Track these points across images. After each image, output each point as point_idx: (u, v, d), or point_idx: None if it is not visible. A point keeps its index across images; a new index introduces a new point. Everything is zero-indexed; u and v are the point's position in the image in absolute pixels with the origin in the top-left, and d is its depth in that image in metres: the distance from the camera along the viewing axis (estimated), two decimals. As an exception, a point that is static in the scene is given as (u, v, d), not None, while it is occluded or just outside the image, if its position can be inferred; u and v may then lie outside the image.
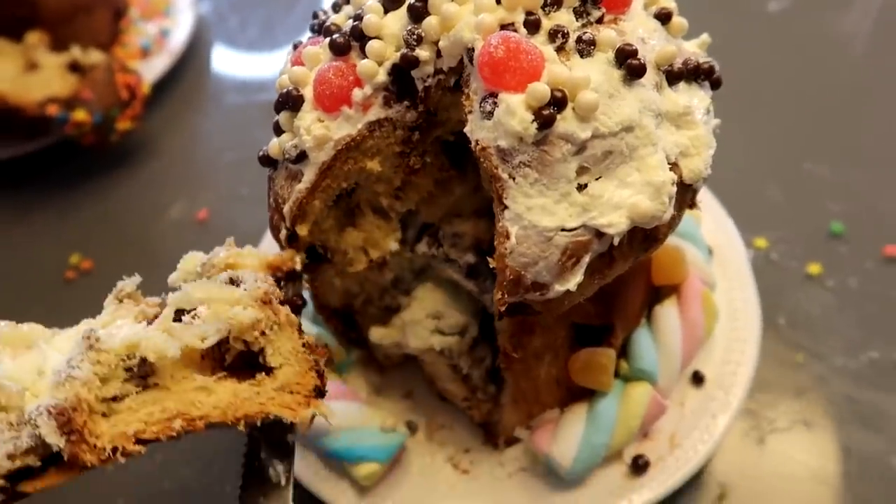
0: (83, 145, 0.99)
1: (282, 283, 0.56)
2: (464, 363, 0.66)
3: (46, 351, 0.46)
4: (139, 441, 0.44)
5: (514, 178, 0.46)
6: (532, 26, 0.48)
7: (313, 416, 0.49)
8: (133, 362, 0.45)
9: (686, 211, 0.74)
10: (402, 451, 0.67)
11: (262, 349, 0.49)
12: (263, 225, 0.65)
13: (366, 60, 0.50)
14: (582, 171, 0.47)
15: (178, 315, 0.48)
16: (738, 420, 0.71)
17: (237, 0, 1.32)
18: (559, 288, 0.48)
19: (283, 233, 0.57)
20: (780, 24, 1.12)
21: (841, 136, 0.96)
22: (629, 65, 0.47)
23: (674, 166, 0.50)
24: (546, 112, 0.45)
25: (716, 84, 0.55)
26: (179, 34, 1.18)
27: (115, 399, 0.45)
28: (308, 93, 0.52)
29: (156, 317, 0.49)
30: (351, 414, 0.65)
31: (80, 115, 0.95)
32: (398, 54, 0.50)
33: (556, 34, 0.48)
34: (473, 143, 0.48)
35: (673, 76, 0.51)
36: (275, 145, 0.54)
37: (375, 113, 0.52)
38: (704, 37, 0.59)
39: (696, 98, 0.52)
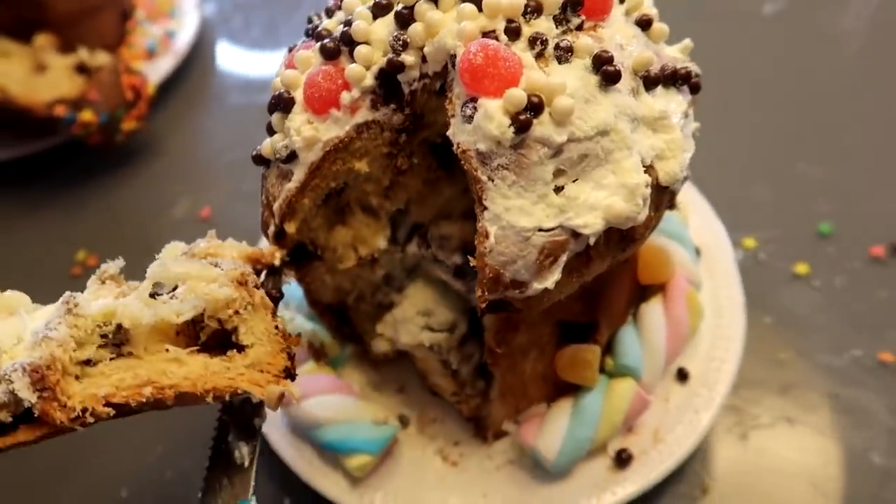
0: (89, 145, 1.02)
1: (261, 275, 0.57)
2: (453, 359, 0.68)
3: (27, 320, 0.47)
4: (109, 404, 0.45)
5: (492, 180, 0.48)
6: (512, 33, 0.49)
7: (282, 396, 0.50)
8: (109, 329, 0.47)
9: (675, 212, 0.77)
10: (394, 444, 0.69)
11: (236, 328, 0.50)
12: (261, 222, 0.67)
13: (354, 65, 0.52)
14: (559, 173, 0.49)
15: (157, 292, 0.50)
16: (722, 416, 0.72)
17: (241, 1, 1.34)
18: (537, 286, 0.50)
19: (272, 229, 0.59)
20: (774, 26, 1.12)
21: (832, 138, 0.96)
22: (605, 71, 0.49)
23: (650, 169, 0.52)
24: (523, 117, 0.46)
25: (694, 88, 0.57)
26: (184, 35, 1.20)
27: (88, 363, 0.46)
28: (299, 95, 0.54)
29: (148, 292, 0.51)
30: (344, 407, 0.67)
31: (86, 115, 0.97)
32: (385, 59, 0.52)
33: (535, 41, 0.49)
34: (455, 146, 0.50)
35: (650, 81, 0.52)
36: (267, 145, 0.56)
37: (363, 115, 0.54)
38: (686, 42, 0.60)
39: (673, 103, 0.54)
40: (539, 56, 0.50)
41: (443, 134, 0.58)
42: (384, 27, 0.53)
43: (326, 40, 0.53)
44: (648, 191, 0.50)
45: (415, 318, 0.67)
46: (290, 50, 0.59)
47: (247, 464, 0.55)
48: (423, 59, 0.52)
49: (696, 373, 0.70)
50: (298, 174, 0.56)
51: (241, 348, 0.50)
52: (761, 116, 1.01)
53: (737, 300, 0.74)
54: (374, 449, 0.65)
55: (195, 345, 0.50)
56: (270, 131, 0.56)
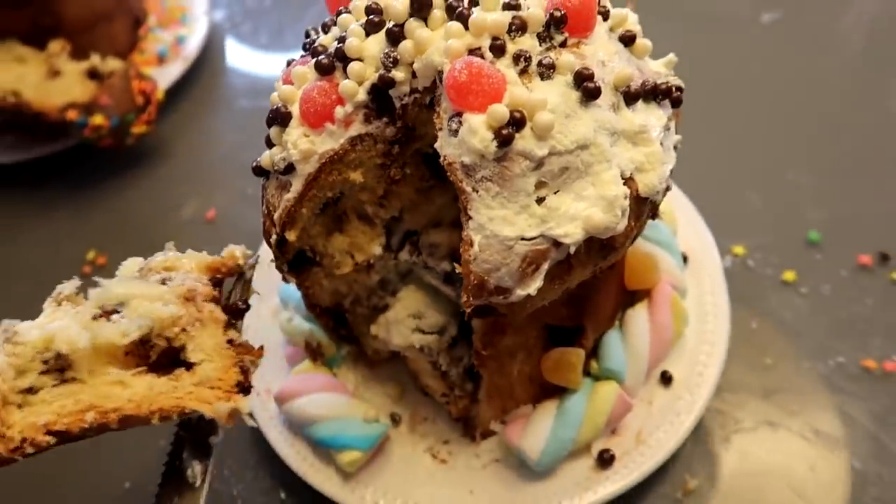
0: (100, 148, 1.05)
1: (223, 284, 0.56)
2: (443, 360, 0.70)
3: None
4: (50, 432, 0.44)
5: (477, 191, 0.51)
6: (497, 50, 0.52)
7: (233, 412, 0.49)
8: (49, 355, 0.46)
9: (663, 220, 0.79)
10: (385, 441, 0.72)
11: (184, 345, 0.49)
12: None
13: (347, 81, 0.55)
14: (540, 185, 0.51)
15: (110, 314, 0.49)
16: (705, 419, 0.74)
17: (250, 8, 1.37)
18: (520, 292, 0.52)
19: (274, 238, 0.62)
20: (770, 35, 1.14)
21: (823, 147, 0.98)
22: (585, 87, 0.51)
23: (629, 181, 0.54)
24: (505, 131, 0.49)
25: (676, 103, 0.59)
26: (194, 41, 1.23)
27: (30, 391, 0.45)
28: (295, 110, 0.57)
29: (93, 318, 0.50)
30: (337, 405, 0.70)
31: (98, 119, 1.01)
32: (377, 75, 0.55)
33: (519, 58, 0.52)
34: (442, 158, 0.52)
35: (630, 97, 0.54)
36: (266, 157, 0.59)
37: (357, 129, 0.57)
38: (671, 56, 0.62)
39: (653, 117, 0.56)
40: (523, 72, 0.52)
41: (434, 145, 0.60)
42: (376, 44, 0.55)
43: (321, 56, 0.56)
44: (627, 202, 0.52)
45: (406, 321, 0.69)
46: (289, 64, 0.61)
47: (198, 483, 0.54)
48: (413, 75, 0.55)
49: (680, 377, 0.72)
50: (296, 185, 0.58)
51: (189, 366, 0.49)
52: (753, 125, 1.03)
53: (722, 306, 0.76)
54: (365, 445, 0.67)
55: (146, 363, 0.49)
56: (269, 144, 0.59)
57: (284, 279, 0.67)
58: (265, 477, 0.76)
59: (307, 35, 0.65)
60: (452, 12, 0.54)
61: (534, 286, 0.52)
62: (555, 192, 0.51)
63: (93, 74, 1.04)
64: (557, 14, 0.53)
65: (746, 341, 0.80)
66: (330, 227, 0.65)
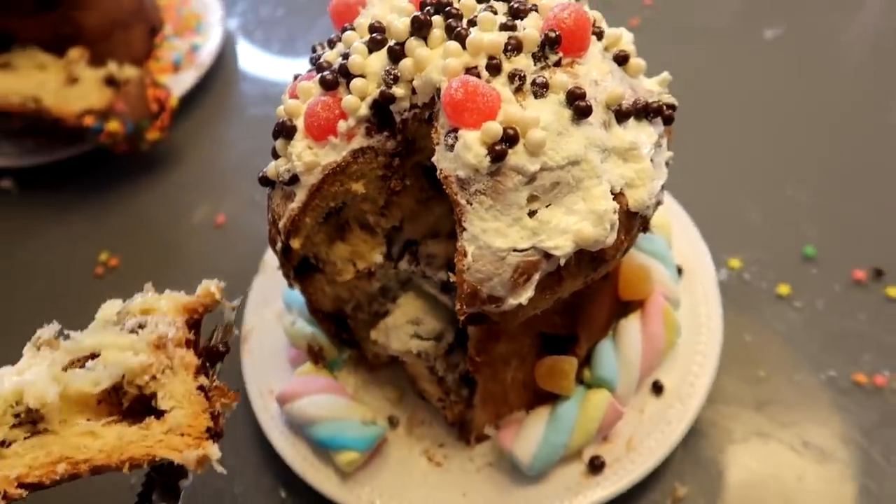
0: (115, 153, 1.09)
1: (201, 325, 0.56)
2: (439, 366, 0.72)
3: None
4: (22, 485, 0.45)
5: (471, 204, 0.53)
6: (493, 69, 0.54)
7: (203, 458, 0.49)
8: (21, 408, 0.47)
9: (659, 232, 0.80)
10: (383, 443, 0.74)
11: (154, 393, 0.50)
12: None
13: (350, 96, 0.57)
14: (532, 199, 0.53)
15: (84, 361, 0.51)
16: (696, 429, 0.76)
17: (263, 18, 1.41)
18: (512, 301, 0.55)
19: (279, 246, 0.65)
20: (772, 52, 1.16)
21: (821, 163, 0.99)
22: (577, 106, 0.53)
23: (619, 196, 0.56)
24: (498, 147, 0.51)
25: (667, 120, 0.61)
26: (208, 49, 1.27)
27: (2, 444, 0.46)
28: (300, 123, 0.59)
29: (71, 363, 0.51)
30: (336, 407, 0.72)
31: (113, 125, 1.04)
32: (378, 91, 0.57)
33: (514, 77, 0.54)
34: (438, 172, 0.54)
35: (621, 115, 0.56)
36: (272, 168, 0.62)
37: (359, 142, 0.59)
38: (665, 75, 0.64)
39: (643, 134, 0.58)
40: (517, 91, 0.54)
41: (432, 159, 0.63)
42: (378, 61, 0.58)
43: (326, 72, 0.58)
44: (616, 216, 0.54)
45: (405, 327, 0.71)
46: (295, 78, 0.64)
47: None
48: (413, 92, 0.57)
49: (671, 386, 0.74)
50: (300, 195, 0.61)
51: (160, 413, 0.50)
52: (753, 140, 1.04)
53: (715, 318, 0.78)
54: (362, 446, 0.70)
55: (119, 411, 0.50)
56: (275, 155, 0.61)
57: (290, 285, 0.69)
58: (266, 476, 0.78)
59: (314, 50, 0.67)
60: (451, 32, 0.56)
61: (525, 296, 0.55)
62: (546, 206, 0.53)
63: (110, 82, 1.08)
64: (552, 35, 0.55)
65: (740, 353, 0.82)
66: (332, 235, 0.68)
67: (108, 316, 0.54)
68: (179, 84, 1.20)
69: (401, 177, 0.64)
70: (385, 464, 0.73)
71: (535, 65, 0.55)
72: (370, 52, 0.58)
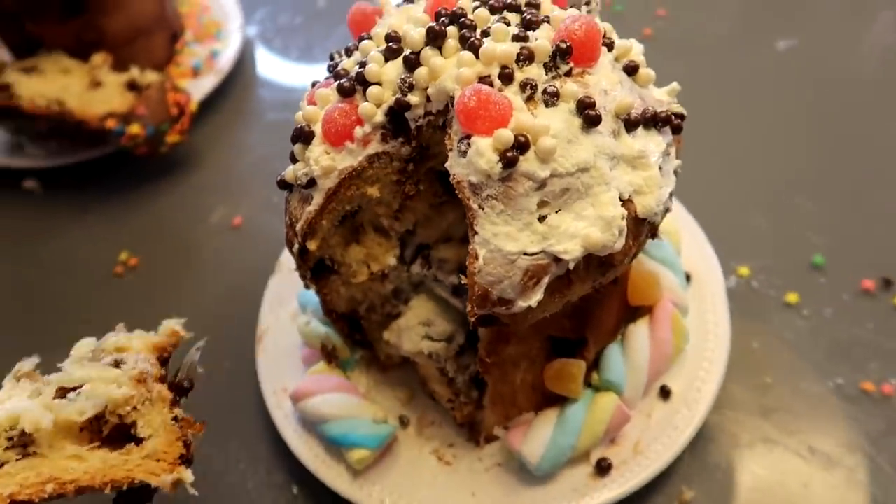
0: (136, 155, 1.11)
1: (169, 362, 0.63)
2: (450, 367, 0.74)
3: None
4: (14, 502, 0.50)
5: (483, 208, 0.54)
6: (506, 78, 0.56)
7: (177, 482, 0.55)
8: (14, 433, 0.52)
9: (668, 239, 0.82)
10: (393, 442, 0.76)
11: (134, 422, 0.55)
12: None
13: (366, 103, 0.59)
14: (542, 204, 0.54)
15: (66, 392, 0.55)
16: (703, 434, 0.77)
17: (281, 25, 1.43)
18: (522, 304, 0.56)
19: (296, 247, 0.67)
20: (785, 62, 1.16)
21: (831, 173, 1.00)
22: (587, 114, 0.54)
23: (628, 203, 0.57)
24: (510, 154, 0.53)
25: (676, 129, 0.62)
26: (227, 55, 1.29)
27: None
28: (318, 129, 0.61)
29: (53, 398, 0.56)
30: (348, 405, 0.74)
31: (134, 128, 1.06)
32: (394, 98, 0.59)
33: (526, 86, 0.55)
34: (451, 177, 0.56)
35: (630, 124, 0.58)
36: (290, 172, 0.64)
37: (374, 147, 0.61)
38: (674, 85, 0.66)
39: (652, 143, 0.59)
40: (529, 99, 0.56)
41: (445, 164, 0.64)
42: (394, 69, 0.60)
43: (343, 80, 0.60)
44: (624, 222, 0.56)
45: (417, 328, 0.73)
46: (314, 85, 0.66)
47: None
48: (428, 99, 0.59)
49: (679, 391, 0.75)
50: (317, 198, 0.63)
51: (139, 441, 0.55)
52: (764, 149, 1.05)
53: (723, 325, 0.79)
54: (373, 444, 0.71)
55: (99, 437, 0.55)
56: (293, 159, 0.63)
57: (306, 286, 0.71)
58: (278, 472, 0.80)
59: (331, 58, 0.69)
60: (465, 42, 0.58)
61: (535, 298, 0.56)
62: (556, 212, 0.55)
63: (132, 86, 1.11)
64: (563, 45, 0.56)
65: (747, 360, 0.82)
66: (348, 238, 0.69)
67: (83, 353, 0.60)
68: (199, 89, 1.22)
69: (415, 181, 0.66)
70: (395, 463, 0.75)
71: (546, 74, 0.57)
72: (386, 60, 0.60)
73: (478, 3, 0.63)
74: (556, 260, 0.55)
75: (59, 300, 1.03)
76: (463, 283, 0.57)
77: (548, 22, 0.60)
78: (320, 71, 0.67)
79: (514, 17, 0.61)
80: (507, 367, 0.70)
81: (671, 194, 0.62)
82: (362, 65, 0.61)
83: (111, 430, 0.56)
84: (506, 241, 0.54)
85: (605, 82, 0.58)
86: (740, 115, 1.10)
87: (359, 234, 0.70)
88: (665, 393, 0.75)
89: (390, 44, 0.60)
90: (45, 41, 1.13)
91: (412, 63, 0.58)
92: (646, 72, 0.63)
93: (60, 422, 0.53)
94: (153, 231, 1.10)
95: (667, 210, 0.62)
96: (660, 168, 0.59)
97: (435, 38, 0.58)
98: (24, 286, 1.05)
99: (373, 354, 0.82)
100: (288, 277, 0.91)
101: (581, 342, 0.72)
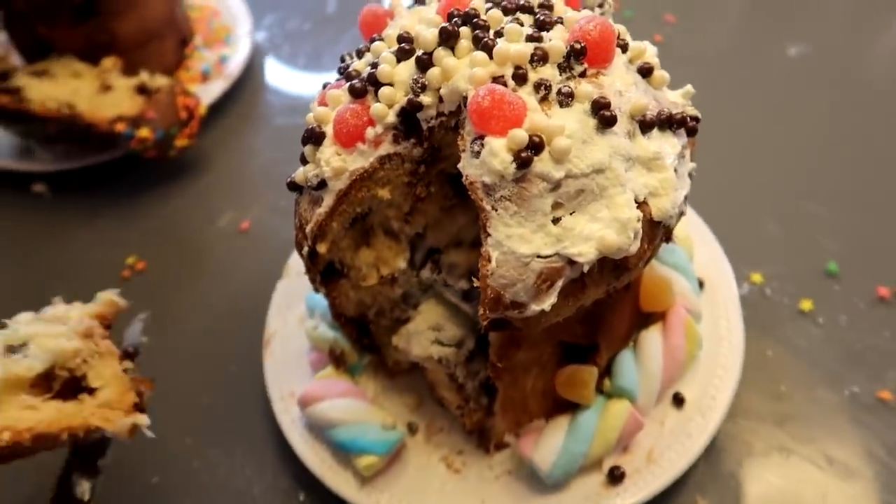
0: (145, 158, 1.11)
1: (111, 328, 0.64)
2: (460, 373, 0.73)
3: None
4: None
5: (496, 210, 0.53)
6: (519, 79, 0.55)
7: (133, 427, 0.56)
8: None
9: (681, 245, 0.81)
10: (402, 448, 0.74)
11: (85, 374, 0.56)
12: (295, 234, 0.74)
13: (378, 104, 0.59)
14: (557, 206, 0.54)
15: (14, 350, 0.56)
16: (717, 442, 0.75)
17: (290, 31, 1.44)
18: (535, 307, 0.55)
19: (306, 250, 0.66)
20: (796, 68, 1.16)
21: (844, 179, 0.99)
22: (602, 115, 0.54)
23: (643, 205, 0.56)
24: (524, 154, 0.52)
25: (691, 132, 0.61)
26: (236, 60, 1.30)
27: None
28: (329, 130, 0.61)
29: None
30: (356, 410, 0.73)
31: (144, 132, 1.06)
32: (406, 99, 0.59)
33: (540, 86, 0.55)
34: (464, 178, 0.55)
35: (645, 125, 0.57)
36: (300, 174, 0.63)
37: (386, 148, 0.60)
38: (688, 87, 0.65)
39: (667, 145, 0.58)
40: (543, 100, 0.55)
41: (458, 165, 0.64)
42: (406, 70, 0.59)
43: (355, 81, 0.60)
44: (640, 225, 0.55)
45: (426, 332, 0.72)
46: (325, 87, 0.65)
47: (87, 498, 0.61)
48: (440, 100, 0.58)
49: (692, 399, 0.74)
50: (328, 200, 0.62)
51: (92, 391, 0.56)
52: (776, 155, 1.04)
53: (736, 332, 0.78)
54: (382, 450, 0.70)
55: (49, 394, 0.56)
56: (303, 161, 0.62)
57: (315, 289, 0.70)
58: (285, 478, 0.79)
59: (342, 59, 0.69)
60: (478, 43, 0.57)
61: (548, 302, 0.55)
62: (570, 213, 0.54)
63: (141, 90, 1.11)
64: (578, 46, 0.56)
65: (761, 368, 0.81)
66: (358, 241, 0.69)
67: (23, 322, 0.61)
68: (208, 93, 1.22)
69: (426, 184, 0.65)
70: (404, 470, 0.74)
71: (560, 75, 0.56)
72: (398, 61, 0.60)
73: (490, 5, 0.62)
74: (571, 263, 0.54)
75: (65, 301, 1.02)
76: (476, 285, 0.56)
77: (561, 23, 0.59)
78: (329, 76, 0.67)
79: (527, 19, 0.60)
80: (518, 372, 0.69)
81: (686, 197, 0.61)
82: (374, 66, 0.60)
83: (62, 386, 0.57)
84: (519, 243, 0.53)
85: (619, 83, 0.58)
86: (752, 122, 1.09)
87: (369, 237, 0.69)
88: (678, 400, 0.74)
89: (402, 44, 0.60)
90: (56, 44, 1.13)
91: (425, 63, 0.58)
92: (660, 74, 0.62)
93: (10, 378, 0.54)
94: (161, 235, 1.09)
95: (681, 214, 0.61)
96: (675, 170, 0.58)
97: (448, 39, 0.58)
98: (32, 290, 1.04)
99: (380, 360, 0.82)
100: (296, 281, 0.91)
101: (593, 348, 0.71)
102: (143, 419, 0.57)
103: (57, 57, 1.13)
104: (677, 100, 0.64)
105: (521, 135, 0.52)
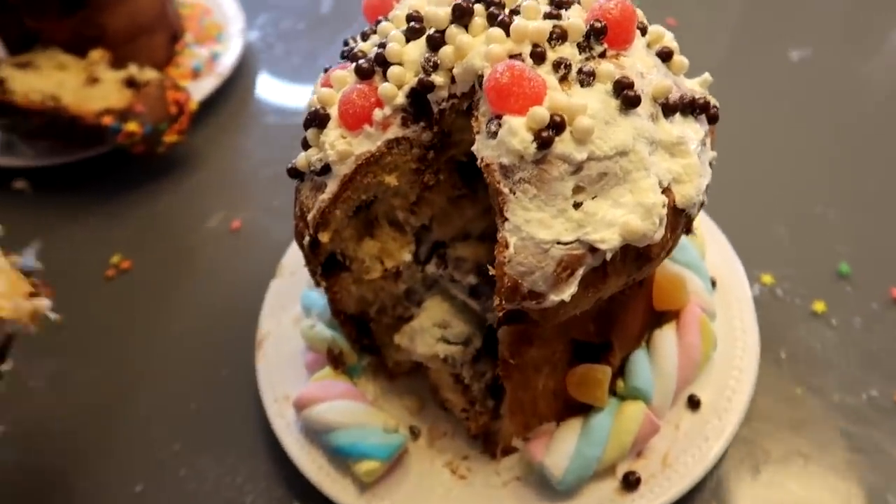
0: (133, 155, 1.07)
1: None
2: (466, 373, 0.69)
3: None
4: None
5: (514, 193, 0.50)
6: (538, 57, 0.52)
7: (35, 311, 0.57)
8: None
9: (692, 243, 0.78)
10: (404, 454, 0.70)
11: None
12: (290, 235, 0.70)
13: (386, 84, 0.56)
14: (578, 189, 0.51)
15: None
16: (733, 447, 0.72)
17: (284, 31, 1.41)
18: (554, 298, 0.52)
19: (307, 239, 0.62)
20: (800, 72, 1.15)
21: (854, 181, 0.98)
22: (625, 95, 0.51)
23: (666, 191, 0.54)
24: (545, 134, 0.49)
25: (712, 119, 0.59)
26: (228, 58, 1.26)
27: None
28: (334, 112, 0.58)
29: None
30: (356, 413, 0.69)
31: (132, 126, 1.02)
32: (416, 79, 0.56)
33: (559, 65, 0.52)
34: (479, 160, 0.52)
35: (668, 108, 0.55)
36: (302, 159, 0.60)
37: (394, 132, 0.57)
38: (706, 76, 0.63)
39: (690, 130, 0.56)
40: (562, 80, 0.52)
41: (468, 153, 0.60)
42: (416, 49, 0.56)
43: (362, 61, 0.57)
44: (665, 211, 0.52)
45: (431, 330, 0.69)
46: (326, 71, 0.62)
47: None
48: (453, 80, 0.55)
49: (708, 401, 0.71)
50: (332, 186, 0.59)
51: None
52: (783, 158, 1.02)
53: (751, 332, 0.75)
54: (384, 455, 0.66)
55: None
56: (305, 146, 0.59)
57: (315, 282, 0.67)
58: (279, 486, 0.75)
59: (345, 43, 0.66)
60: (494, 20, 0.54)
61: (568, 292, 0.52)
62: (592, 198, 0.51)
63: (130, 83, 1.07)
64: (598, 25, 0.53)
65: (775, 371, 0.78)
66: (361, 231, 0.65)
67: None
68: (198, 90, 1.19)
69: (434, 171, 0.62)
70: (406, 476, 0.70)
71: (580, 55, 0.54)
72: (408, 40, 0.57)
73: (504, -18, 0.60)
74: (592, 250, 0.51)
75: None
76: (490, 272, 0.53)
77: (578, 3, 0.57)
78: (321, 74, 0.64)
79: (543, -2, 0.58)
80: (529, 371, 0.65)
81: (707, 186, 0.58)
82: (381, 45, 0.57)
83: None
84: (538, 228, 0.50)
85: (640, 65, 0.55)
86: (759, 124, 1.07)
87: (373, 228, 0.66)
88: (694, 403, 0.71)
89: (412, 23, 0.57)
90: (42, 36, 1.09)
91: (436, 42, 0.55)
92: (680, 59, 0.60)
93: None
94: (149, 234, 1.05)
95: (702, 203, 0.59)
96: (698, 157, 0.56)
97: (461, 16, 0.55)
98: (9, 289, 0.99)
99: (380, 361, 0.78)
100: (290, 281, 0.87)
101: (606, 346, 0.68)
102: (43, 303, 0.57)
103: (41, 49, 1.09)
104: (696, 88, 0.62)
105: (542, 113, 0.49)
